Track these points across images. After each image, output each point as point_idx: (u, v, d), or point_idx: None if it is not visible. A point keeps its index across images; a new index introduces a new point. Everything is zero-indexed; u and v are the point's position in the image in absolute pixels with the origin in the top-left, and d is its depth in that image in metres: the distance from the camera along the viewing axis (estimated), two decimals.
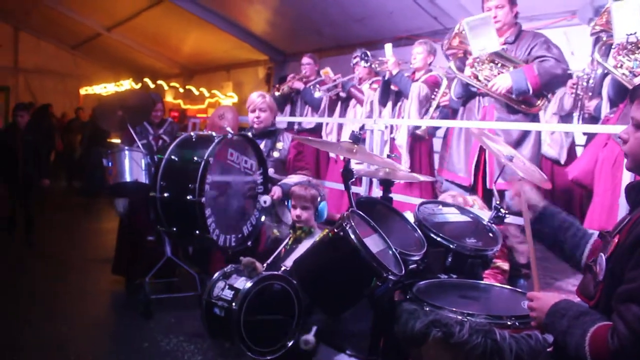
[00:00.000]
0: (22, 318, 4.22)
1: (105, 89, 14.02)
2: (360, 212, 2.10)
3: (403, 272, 1.97)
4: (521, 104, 3.98)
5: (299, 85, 6.32)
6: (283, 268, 2.35)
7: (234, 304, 2.11)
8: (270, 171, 3.87)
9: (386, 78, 5.13)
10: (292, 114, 6.45)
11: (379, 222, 2.19)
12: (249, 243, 3.66)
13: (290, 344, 2.25)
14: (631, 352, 1.37)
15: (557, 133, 4.71)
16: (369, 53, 5.53)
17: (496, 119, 4.00)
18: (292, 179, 3.89)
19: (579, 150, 4.73)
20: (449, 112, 4.72)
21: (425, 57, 5.04)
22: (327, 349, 3.15)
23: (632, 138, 1.59)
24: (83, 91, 15.96)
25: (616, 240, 1.56)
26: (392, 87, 5.16)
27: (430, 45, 5.06)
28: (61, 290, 5.02)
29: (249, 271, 2.23)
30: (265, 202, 3.60)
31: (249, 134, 3.86)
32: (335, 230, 1.92)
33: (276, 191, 3.71)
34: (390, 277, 1.88)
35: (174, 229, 3.63)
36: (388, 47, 5.10)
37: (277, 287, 2.12)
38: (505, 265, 3.52)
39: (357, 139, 2.16)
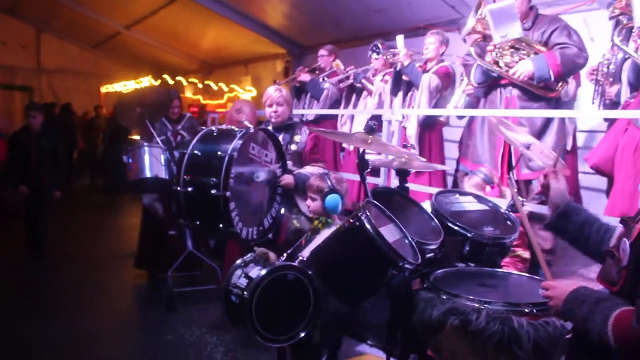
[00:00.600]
0: (50, 314, 4.32)
1: (126, 86, 14.16)
2: (376, 202, 2.11)
3: (419, 261, 1.97)
4: (541, 89, 3.97)
5: (305, 77, 6.34)
6: (300, 258, 2.37)
7: (245, 292, 2.16)
8: (289, 164, 3.89)
9: (397, 69, 5.15)
10: (297, 106, 6.48)
11: (395, 212, 2.19)
12: (270, 235, 3.68)
13: (304, 333, 2.27)
14: None
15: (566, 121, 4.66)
16: (379, 45, 5.52)
17: (519, 108, 3.99)
18: (307, 169, 3.91)
19: (579, 137, 4.68)
20: (474, 101, 4.68)
21: (438, 48, 5.02)
22: (349, 339, 3.18)
23: None
24: (104, 89, 16.16)
25: (639, 226, 1.54)
26: (404, 77, 5.16)
27: (443, 35, 5.04)
28: (86, 286, 5.12)
29: (262, 261, 2.27)
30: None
31: (269, 127, 3.88)
32: (351, 220, 1.93)
33: (286, 178, 3.72)
34: (407, 266, 1.88)
35: (197, 223, 3.68)
36: (400, 38, 5.11)
37: (290, 277, 2.14)
38: (526, 254, 3.50)
39: (372, 129, 2.16)
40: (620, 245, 1.60)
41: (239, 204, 3.47)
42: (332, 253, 2.01)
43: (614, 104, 3.84)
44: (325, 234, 2.54)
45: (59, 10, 13.34)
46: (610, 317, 1.46)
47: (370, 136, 2.18)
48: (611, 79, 3.84)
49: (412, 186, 4.16)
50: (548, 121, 4.00)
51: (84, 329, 4.05)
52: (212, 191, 3.37)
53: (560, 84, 4.00)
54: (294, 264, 2.28)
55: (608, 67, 3.85)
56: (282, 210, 3.72)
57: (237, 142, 3.42)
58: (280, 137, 3.96)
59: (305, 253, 2.32)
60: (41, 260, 5.96)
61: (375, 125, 2.21)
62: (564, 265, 4.10)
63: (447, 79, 4.96)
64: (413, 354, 2.17)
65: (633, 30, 3.32)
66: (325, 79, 6.13)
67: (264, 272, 2.15)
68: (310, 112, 6.20)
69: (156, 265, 4.98)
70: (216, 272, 4.54)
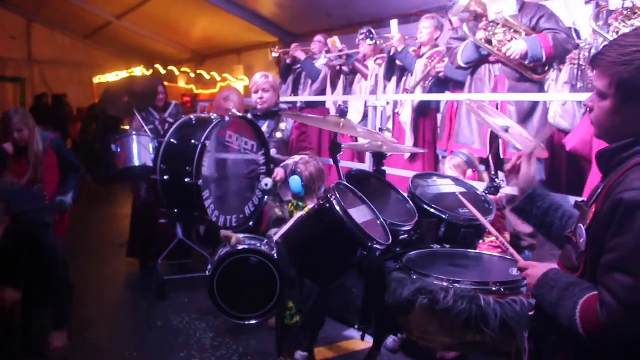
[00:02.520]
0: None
1: (118, 76, 14.12)
2: (347, 184, 2.14)
3: (390, 241, 2.01)
4: (529, 70, 4.02)
5: (300, 55, 6.28)
6: (266, 241, 2.50)
7: (210, 271, 2.28)
8: (273, 152, 3.90)
9: (391, 54, 5.13)
10: (295, 89, 6.43)
11: (371, 195, 2.23)
12: (251, 223, 3.71)
13: (270, 311, 2.42)
14: (620, 322, 1.36)
15: (568, 103, 4.65)
16: (373, 31, 5.51)
17: (508, 88, 4.04)
18: (295, 159, 3.92)
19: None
20: (450, 86, 4.72)
21: (432, 32, 4.99)
22: (336, 323, 3.23)
23: (596, 107, 1.57)
24: (96, 80, 16.10)
25: (593, 209, 1.53)
26: (397, 62, 5.16)
27: (438, 20, 5.02)
28: (79, 274, 5.12)
29: (228, 244, 2.36)
30: (266, 184, 3.64)
31: (249, 115, 3.90)
32: (321, 202, 1.97)
33: (279, 172, 3.74)
34: (376, 246, 1.92)
35: (175, 211, 3.72)
36: (394, 23, 5.10)
37: (253, 260, 2.25)
38: (506, 236, 3.55)
39: (343, 112, 2.20)
40: (576, 231, 1.59)
41: (214, 192, 3.50)
42: (302, 235, 2.05)
43: None
44: (297, 217, 2.62)
45: (50, 0, 13.26)
46: (578, 304, 1.45)
47: (343, 119, 2.21)
48: None
49: (400, 172, 4.23)
50: (534, 104, 4.05)
51: (75, 316, 4.08)
52: (186, 179, 3.40)
53: (546, 67, 4.07)
54: (259, 248, 2.41)
55: (589, 52, 3.87)
56: (265, 198, 3.74)
57: (210, 131, 3.44)
58: (266, 125, 3.97)
59: (276, 237, 2.41)
60: None
61: (346, 108, 2.24)
62: (549, 249, 4.14)
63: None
64: (388, 334, 2.21)
65: (612, 15, 3.35)
66: (324, 53, 6.08)
67: (223, 253, 2.28)
68: (303, 99, 6.17)
69: (147, 253, 5.01)
70: (206, 260, 4.56)
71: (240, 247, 2.76)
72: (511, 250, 1.80)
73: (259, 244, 3.07)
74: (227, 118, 3.59)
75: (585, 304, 1.44)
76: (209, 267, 2.54)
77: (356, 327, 2.82)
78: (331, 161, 4.44)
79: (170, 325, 3.98)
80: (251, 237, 3.18)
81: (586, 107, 1.65)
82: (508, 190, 3.05)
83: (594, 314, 1.40)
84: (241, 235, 3.10)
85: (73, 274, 5.01)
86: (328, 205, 1.91)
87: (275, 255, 2.88)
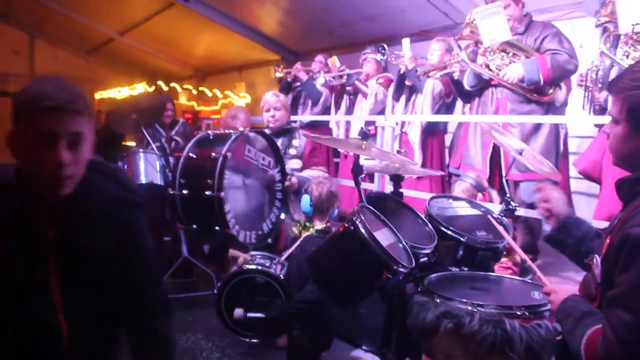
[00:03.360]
0: None
1: (120, 92, 14.15)
2: (370, 207, 2.14)
3: (413, 264, 2.00)
4: (533, 92, 4.04)
5: (302, 75, 6.31)
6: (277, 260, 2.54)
7: (217, 288, 2.32)
8: (288, 168, 3.90)
9: (401, 72, 5.15)
10: (295, 107, 6.43)
11: (389, 217, 2.22)
12: (269, 240, 3.68)
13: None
14: (616, 358, 1.35)
15: None
16: (386, 46, 5.53)
17: (509, 110, 4.07)
18: (307, 172, 3.92)
19: (571, 143, 4.73)
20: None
21: (442, 55, 5.02)
22: (344, 344, 3.20)
23: (610, 133, 1.56)
24: (98, 96, 16.13)
25: (608, 240, 1.53)
26: (407, 82, 5.18)
27: (448, 43, 5.06)
28: None
29: (234, 262, 2.42)
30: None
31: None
32: (346, 224, 1.96)
33: (292, 179, 3.73)
34: (401, 269, 1.92)
35: (194, 227, 3.67)
36: (406, 41, 5.13)
37: (259, 280, 2.28)
38: (517, 258, 3.54)
39: (366, 135, 2.20)
40: (593, 261, 1.59)
41: (235, 206, 3.47)
42: (327, 257, 2.04)
43: (603, 110, 3.90)
44: (303, 238, 2.66)
45: (52, 16, 13.31)
46: (585, 335, 1.45)
47: (364, 142, 2.21)
48: (600, 85, 3.92)
49: (411, 192, 4.23)
50: (538, 124, 4.06)
51: None
52: (207, 192, 3.38)
53: (552, 88, 4.07)
54: (265, 269, 2.45)
55: (597, 74, 3.91)
56: (282, 216, 3.72)
57: (231, 143, 3.44)
58: (279, 142, 3.97)
59: (282, 257, 2.45)
60: None
61: (369, 131, 2.25)
62: (558, 270, 4.13)
63: (450, 86, 4.99)
64: (407, 358, 2.19)
65: (621, 38, 3.39)
66: (323, 73, 6.09)
67: (231, 272, 2.30)
68: (307, 118, 6.20)
69: None
70: (212, 278, 4.54)
71: (246, 267, 2.89)
72: (538, 273, 1.79)
73: (268, 263, 3.08)
74: (247, 132, 3.59)
75: (591, 336, 1.44)
76: (217, 284, 2.58)
77: (364, 347, 2.81)
78: (342, 181, 4.50)
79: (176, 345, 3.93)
80: (263, 256, 3.19)
81: (604, 133, 1.64)
82: (522, 212, 3.05)
83: (595, 347, 1.40)
84: (253, 254, 3.12)
85: None
86: (353, 227, 1.91)
87: (282, 275, 2.90)
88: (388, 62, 5.62)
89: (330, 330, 2.45)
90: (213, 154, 3.45)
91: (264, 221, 3.69)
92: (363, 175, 2.29)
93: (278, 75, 6.53)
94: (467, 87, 4.34)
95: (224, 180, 3.37)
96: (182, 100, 13.85)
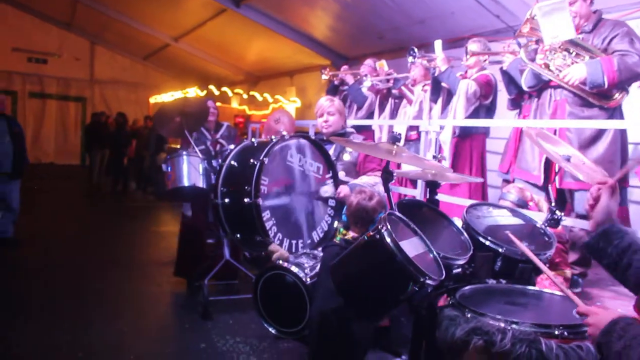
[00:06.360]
0: (87, 318, 4.41)
1: (173, 96, 14.52)
2: (399, 215, 2.05)
3: (443, 276, 1.89)
4: (595, 96, 3.75)
5: (349, 79, 6.23)
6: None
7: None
8: (341, 174, 3.81)
9: (435, 75, 5.04)
10: None
11: (423, 225, 2.12)
12: (320, 249, 3.62)
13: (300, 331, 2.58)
14: None
15: None
16: (416, 49, 5.42)
17: (568, 114, 3.82)
18: (362, 179, 3.82)
19: (630, 149, 4.42)
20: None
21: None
22: (383, 354, 3.11)
23: None
24: (152, 100, 16.63)
25: None
26: (443, 84, 5.05)
27: (484, 44, 4.92)
28: (126, 291, 5.21)
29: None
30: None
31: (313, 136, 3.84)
32: (371, 233, 1.88)
33: (343, 189, 3.64)
34: (428, 282, 1.82)
35: (238, 236, 3.66)
36: (438, 43, 5.02)
37: (289, 279, 2.34)
38: (568, 272, 3.35)
39: (396, 139, 2.11)
40: None
41: (276, 214, 3.41)
42: (351, 266, 1.96)
43: None
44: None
45: (112, 24, 13.85)
46: None
47: (395, 147, 2.12)
48: None
49: (448, 198, 4.08)
50: (600, 131, 3.76)
51: (117, 334, 4.11)
52: (245, 200, 3.35)
53: (618, 92, 3.77)
54: (290, 268, 2.50)
55: None
56: (335, 224, 3.65)
57: (269, 149, 3.40)
58: (333, 148, 3.88)
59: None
60: (84, 263, 6.14)
61: (399, 135, 2.15)
62: (612, 284, 3.89)
63: (488, 87, 4.82)
64: None
65: None
66: (369, 76, 6.01)
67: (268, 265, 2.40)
68: (352, 123, 6.13)
69: (195, 273, 5.02)
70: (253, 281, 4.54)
71: (279, 263, 3.01)
72: (568, 292, 1.65)
73: (306, 263, 3.02)
74: (286, 136, 3.54)
75: None
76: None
77: (403, 358, 2.71)
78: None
79: (213, 348, 3.94)
80: (307, 255, 3.13)
81: None
82: (569, 222, 2.88)
83: None
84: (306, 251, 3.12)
85: (121, 290, 5.18)
86: (378, 236, 1.82)
87: (309, 280, 2.86)
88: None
89: (354, 344, 2.36)
90: (252, 161, 3.42)
91: (314, 229, 3.62)
92: (393, 181, 2.20)
93: (324, 77, 6.48)
94: (525, 87, 4.11)
95: (262, 186, 3.33)
96: (234, 104, 14.07)
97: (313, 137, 3.82)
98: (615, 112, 3.85)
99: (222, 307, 4.59)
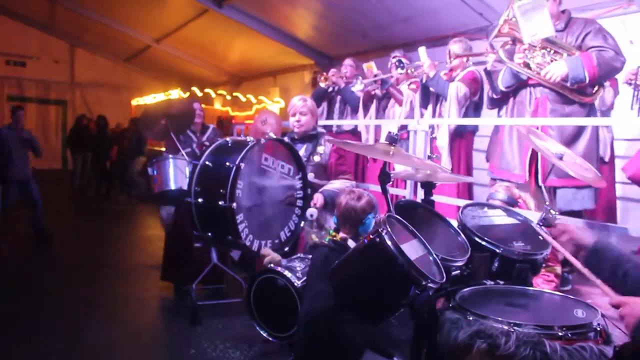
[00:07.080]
0: (75, 324, 4.33)
1: (155, 98, 14.38)
2: (398, 217, 2.01)
3: (444, 279, 1.86)
4: (575, 92, 3.79)
5: (340, 82, 6.19)
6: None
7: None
8: (311, 176, 3.82)
9: (424, 82, 5.05)
10: (330, 113, 6.31)
11: (419, 227, 2.09)
12: (286, 249, 3.62)
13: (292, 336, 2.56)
14: None
15: (601, 130, 4.46)
16: (404, 60, 5.42)
17: (549, 111, 3.83)
18: (334, 184, 3.84)
19: (617, 146, 4.48)
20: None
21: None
22: (375, 355, 3.08)
23: None
24: (134, 102, 16.46)
25: None
26: (431, 89, 5.06)
27: (466, 43, 4.94)
28: (112, 296, 5.13)
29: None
30: (312, 215, 3.57)
31: (286, 138, 3.83)
32: (371, 236, 1.83)
33: (318, 199, 3.66)
34: (430, 285, 1.78)
35: (209, 234, 3.66)
36: (422, 50, 5.02)
37: (280, 283, 2.31)
38: (559, 269, 3.35)
39: (394, 140, 2.07)
40: None
41: (248, 216, 3.43)
42: (351, 270, 1.92)
43: None
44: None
45: (93, 25, 13.66)
46: None
47: (392, 147, 2.09)
48: None
49: (438, 198, 4.07)
50: (580, 127, 3.82)
51: (105, 340, 4.04)
52: (220, 202, 3.34)
53: (595, 88, 3.82)
54: (285, 273, 2.45)
55: None
56: (302, 224, 3.65)
57: (245, 153, 3.39)
58: (303, 148, 3.90)
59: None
60: (71, 269, 6.04)
61: (397, 135, 2.12)
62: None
63: (475, 84, 4.84)
64: None
65: None
66: (360, 78, 5.98)
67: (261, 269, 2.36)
68: (340, 123, 6.10)
69: (182, 277, 4.95)
70: (241, 285, 4.49)
71: (271, 267, 3.00)
72: (599, 283, 1.64)
73: (297, 267, 3.01)
74: (262, 140, 3.53)
75: None
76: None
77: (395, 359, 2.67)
78: (368, 185, 4.37)
79: (203, 353, 3.88)
80: (300, 259, 3.11)
81: None
82: (561, 219, 2.87)
83: None
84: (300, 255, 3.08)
85: (108, 295, 5.08)
86: (379, 239, 1.78)
87: (300, 284, 2.83)
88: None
89: (347, 346, 2.32)
90: (227, 163, 3.40)
91: (281, 229, 3.63)
92: (390, 182, 2.17)
93: (322, 85, 6.37)
94: (502, 87, 4.12)
95: (237, 190, 3.32)
96: (217, 105, 13.97)
97: (286, 139, 3.80)
98: (591, 109, 3.91)
99: (211, 311, 4.54)
